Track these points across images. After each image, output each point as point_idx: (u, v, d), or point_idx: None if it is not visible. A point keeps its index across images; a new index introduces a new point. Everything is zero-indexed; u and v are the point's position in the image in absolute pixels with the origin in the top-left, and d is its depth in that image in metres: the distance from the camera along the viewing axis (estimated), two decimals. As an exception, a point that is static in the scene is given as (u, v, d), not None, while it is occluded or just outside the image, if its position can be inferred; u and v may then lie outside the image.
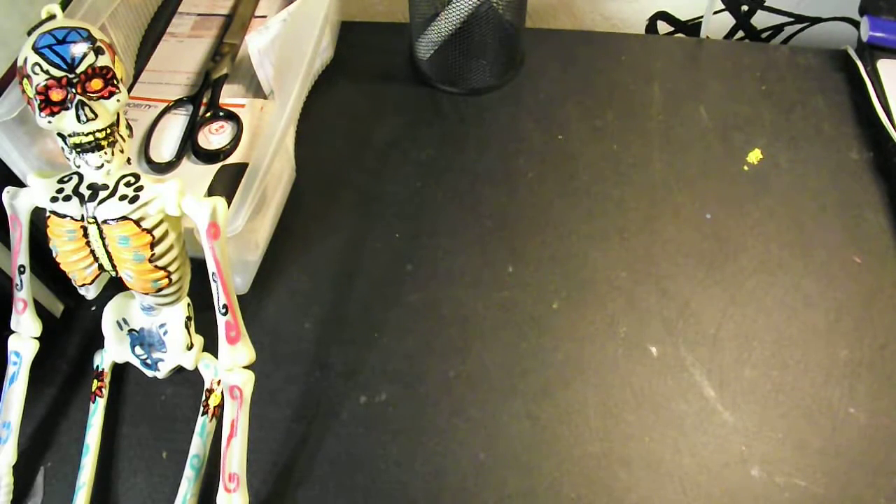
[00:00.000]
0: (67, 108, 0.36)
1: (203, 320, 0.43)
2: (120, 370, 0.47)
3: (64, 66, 0.35)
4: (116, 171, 0.38)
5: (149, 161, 0.51)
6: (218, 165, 0.50)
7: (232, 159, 0.51)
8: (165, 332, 0.43)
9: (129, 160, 0.40)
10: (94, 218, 0.37)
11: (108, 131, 0.37)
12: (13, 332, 0.43)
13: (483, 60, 0.61)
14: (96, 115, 0.36)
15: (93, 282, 0.40)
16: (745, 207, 0.53)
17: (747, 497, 0.41)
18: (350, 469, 0.43)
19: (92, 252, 0.39)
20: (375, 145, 0.59)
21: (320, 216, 0.54)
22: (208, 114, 0.53)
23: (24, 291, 0.42)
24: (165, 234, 0.39)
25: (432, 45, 0.60)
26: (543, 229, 0.53)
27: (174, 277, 0.40)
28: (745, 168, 0.56)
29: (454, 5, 0.56)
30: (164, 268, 0.39)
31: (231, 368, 0.39)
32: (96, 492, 0.42)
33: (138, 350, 0.44)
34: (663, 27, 0.72)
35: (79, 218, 0.38)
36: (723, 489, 0.41)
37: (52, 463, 0.44)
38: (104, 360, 0.46)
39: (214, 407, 0.43)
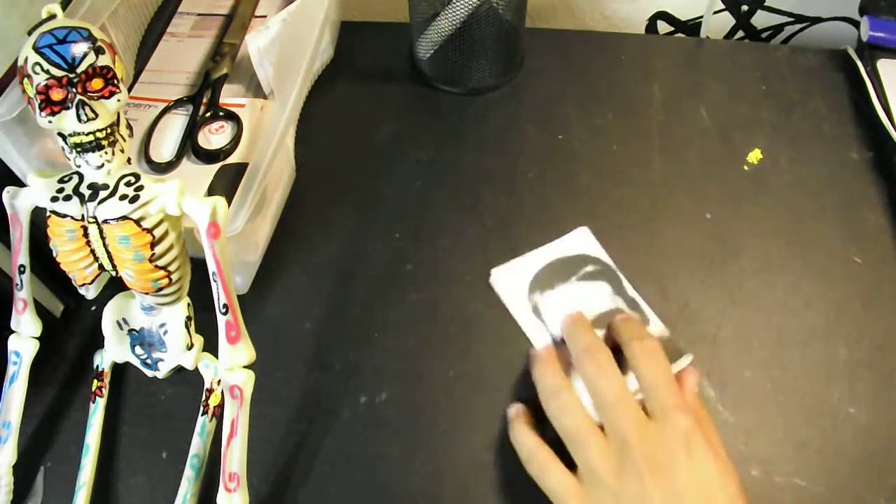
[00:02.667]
0: (68, 108, 0.36)
1: (203, 320, 0.43)
2: (120, 370, 0.47)
3: (64, 66, 0.35)
4: (117, 170, 0.38)
5: (149, 161, 0.51)
6: (218, 165, 0.50)
7: (232, 159, 0.51)
8: (165, 332, 0.43)
9: (129, 160, 0.40)
10: (95, 217, 0.37)
11: (109, 131, 0.37)
12: (13, 331, 0.43)
13: (483, 60, 0.61)
14: (97, 115, 0.36)
15: (93, 281, 0.40)
16: (745, 207, 0.53)
17: (747, 497, 0.41)
18: (350, 469, 0.43)
19: (92, 252, 0.39)
20: (375, 145, 0.59)
21: (320, 216, 0.54)
22: (208, 114, 0.53)
23: (25, 291, 0.42)
24: (165, 234, 0.39)
25: (432, 45, 0.60)
26: (543, 229, 0.53)
27: (174, 277, 0.40)
28: (745, 168, 0.56)
29: (454, 5, 0.56)
30: (164, 267, 0.39)
31: (231, 368, 0.39)
32: (96, 492, 0.42)
33: (138, 350, 0.44)
34: (663, 27, 0.72)
35: (79, 217, 0.38)
36: (723, 489, 0.41)
37: (52, 463, 0.44)
38: (104, 359, 0.46)
39: (214, 407, 0.43)
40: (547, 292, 0.48)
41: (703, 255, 0.51)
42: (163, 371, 0.44)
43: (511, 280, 0.49)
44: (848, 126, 0.58)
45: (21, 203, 0.40)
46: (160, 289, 0.40)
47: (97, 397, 0.45)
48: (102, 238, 0.38)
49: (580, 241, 0.51)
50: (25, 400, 0.42)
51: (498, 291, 0.49)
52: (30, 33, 0.36)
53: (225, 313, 0.38)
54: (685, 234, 0.52)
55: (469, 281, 0.50)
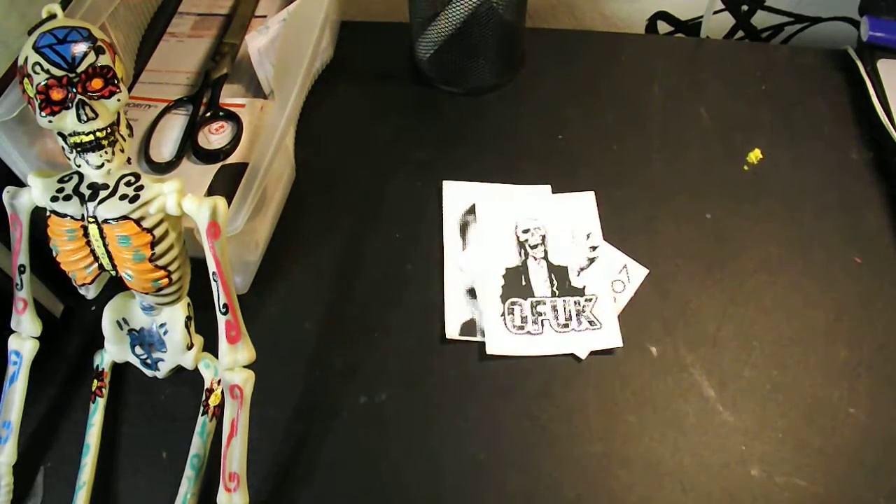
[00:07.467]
0: (68, 108, 0.36)
1: (203, 320, 0.43)
2: (120, 370, 0.47)
3: (64, 66, 0.35)
4: (117, 170, 0.38)
5: (149, 161, 0.51)
6: (218, 165, 0.50)
7: (232, 159, 0.51)
8: (165, 332, 0.43)
9: (129, 160, 0.40)
10: (95, 217, 0.37)
11: (109, 130, 0.37)
12: (13, 331, 0.43)
13: (483, 60, 0.61)
14: (97, 115, 0.36)
15: (93, 281, 0.40)
16: (745, 207, 0.53)
17: (747, 497, 0.41)
18: (350, 469, 0.43)
19: (92, 252, 0.39)
20: (375, 145, 0.59)
21: (320, 216, 0.54)
22: (208, 114, 0.53)
23: (25, 291, 0.42)
24: (165, 234, 0.39)
25: (432, 44, 0.60)
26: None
27: (174, 277, 0.40)
28: (745, 168, 0.56)
29: (454, 5, 0.56)
30: (164, 267, 0.39)
31: (231, 368, 0.39)
32: (96, 491, 0.42)
33: (138, 350, 0.44)
34: (663, 27, 0.72)
35: (79, 217, 0.38)
36: (723, 489, 0.41)
37: (52, 463, 0.44)
38: (104, 359, 0.46)
39: (214, 407, 0.43)
40: (481, 221, 0.51)
41: (703, 255, 0.51)
42: (163, 371, 0.44)
43: (456, 195, 0.53)
44: (848, 126, 0.58)
45: (21, 203, 0.40)
46: (160, 289, 0.40)
47: (97, 397, 0.45)
48: (102, 238, 0.38)
49: (537, 192, 0.54)
50: (25, 400, 0.42)
51: (444, 202, 0.53)
52: (30, 33, 0.36)
53: (225, 313, 0.38)
54: (685, 234, 0.52)
55: (469, 281, 0.50)
